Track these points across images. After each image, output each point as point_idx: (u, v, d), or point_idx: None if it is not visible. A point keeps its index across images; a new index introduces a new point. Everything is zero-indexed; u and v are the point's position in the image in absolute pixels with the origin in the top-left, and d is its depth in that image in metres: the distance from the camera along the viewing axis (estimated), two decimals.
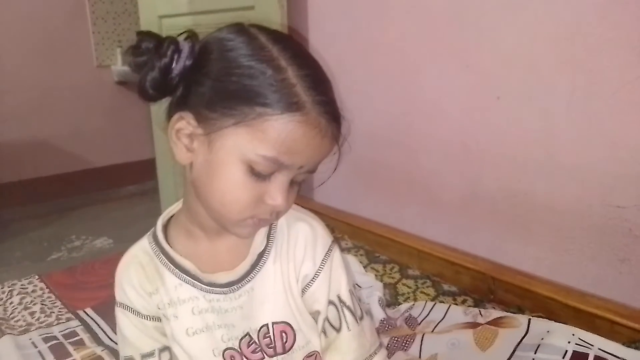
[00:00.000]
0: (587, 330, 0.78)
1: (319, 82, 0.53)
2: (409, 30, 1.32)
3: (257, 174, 0.52)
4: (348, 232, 1.25)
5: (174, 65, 0.53)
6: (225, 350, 0.64)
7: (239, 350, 0.64)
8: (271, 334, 0.63)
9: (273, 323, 0.63)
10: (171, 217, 0.67)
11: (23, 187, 2.99)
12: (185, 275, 0.63)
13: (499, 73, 1.17)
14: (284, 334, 0.64)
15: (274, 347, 0.64)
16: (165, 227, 0.66)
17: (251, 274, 0.63)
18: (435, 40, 1.27)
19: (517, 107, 1.14)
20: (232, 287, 0.63)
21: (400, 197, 1.46)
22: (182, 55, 0.53)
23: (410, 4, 1.30)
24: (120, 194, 3.33)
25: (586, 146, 1.02)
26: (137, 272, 0.65)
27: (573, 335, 0.78)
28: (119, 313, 0.66)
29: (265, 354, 0.64)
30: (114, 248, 2.52)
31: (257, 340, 0.64)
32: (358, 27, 1.46)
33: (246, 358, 0.64)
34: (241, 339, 0.64)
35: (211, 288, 0.63)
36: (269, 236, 0.64)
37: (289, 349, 0.64)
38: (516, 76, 1.13)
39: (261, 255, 0.63)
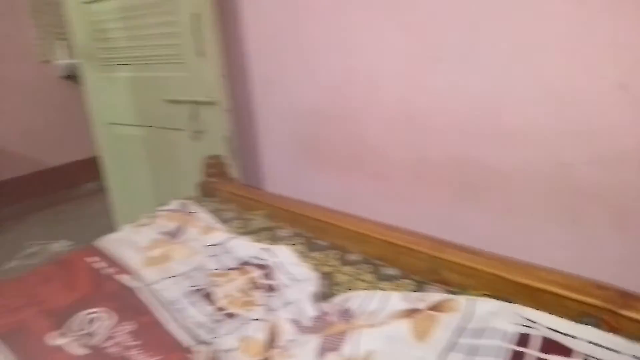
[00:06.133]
0: (533, 307, 0.71)
1: None
2: None
3: None
4: (288, 220, 1.16)
5: None
6: None
7: None
8: None
9: None
10: None
11: None
12: None
13: (437, 33, 1.07)
14: None
15: None
16: None
17: None
18: (370, 2, 1.16)
19: (457, 69, 1.05)
20: None
21: (347, 173, 1.38)
22: None
23: None
24: (77, 192, 3.20)
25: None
26: None
27: (518, 315, 0.71)
28: None
29: None
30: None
31: None
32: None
33: None
34: None
35: None
36: None
37: None
38: (455, 36, 1.04)
39: None
